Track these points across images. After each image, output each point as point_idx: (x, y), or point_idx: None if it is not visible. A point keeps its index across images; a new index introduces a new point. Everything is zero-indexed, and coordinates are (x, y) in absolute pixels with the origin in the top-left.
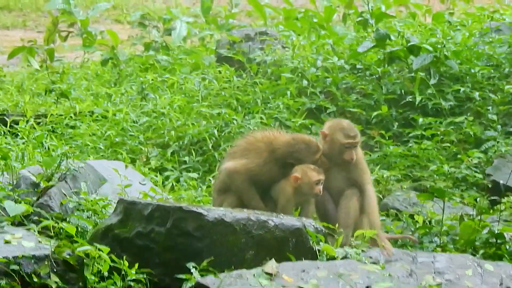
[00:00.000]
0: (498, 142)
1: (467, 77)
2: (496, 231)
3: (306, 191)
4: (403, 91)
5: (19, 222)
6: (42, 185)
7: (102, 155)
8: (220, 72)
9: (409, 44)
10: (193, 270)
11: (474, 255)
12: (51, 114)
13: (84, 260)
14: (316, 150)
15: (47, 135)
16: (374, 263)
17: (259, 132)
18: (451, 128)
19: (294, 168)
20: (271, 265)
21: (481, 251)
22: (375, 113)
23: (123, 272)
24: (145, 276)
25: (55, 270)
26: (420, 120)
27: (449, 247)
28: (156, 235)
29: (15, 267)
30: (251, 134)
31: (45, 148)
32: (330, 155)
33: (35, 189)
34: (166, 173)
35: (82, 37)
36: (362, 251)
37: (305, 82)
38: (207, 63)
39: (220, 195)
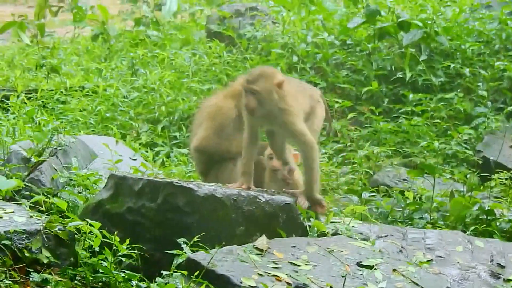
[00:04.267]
0: (488, 118)
1: (458, 53)
2: (487, 208)
3: None
4: (393, 67)
5: (10, 197)
6: (33, 160)
7: (92, 130)
8: (210, 47)
9: (399, 20)
10: (184, 245)
11: (465, 232)
12: (42, 89)
13: (76, 235)
14: None
15: (38, 110)
16: (364, 239)
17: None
18: (441, 104)
19: None
20: (261, 241)
21: (472, 228)
22: (365, 89)
23: (114, 247)
24: (136, 252)
25: (46, 245)
26: (410, 96)
27: (439, 223)
28: (147, 211)
29: (7, 241)
30: (199, 108)
31: (36, 123)
32: None
33: (26, 164)
34: (157, 149)
35: (72, 12)
36: (353, 227)
37: (295, 58)
38: (197, 39)
39: (205, 176)
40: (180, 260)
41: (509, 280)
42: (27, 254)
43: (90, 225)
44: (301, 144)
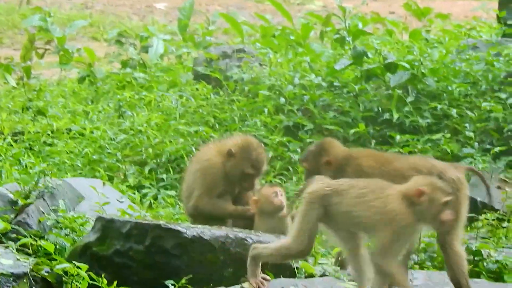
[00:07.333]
0: (475, 159)
1: (444, 94)
2: (474, 249)
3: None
4: (380, 108)
5: None
6: (20, 202)
7: (79, 173)
8: (197, 89)
9: (386, 62)
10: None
11: None
12: (28, 132)
13: (63, 278)
14: None
15: (25, 152)
16: (352, 280)
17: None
18: (429, 145)
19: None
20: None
21: None
22: (352, 131)
23: None
24: None
25: (33, 287)
26: (398, 137)
27: (427, 264)
28: (135, 253)
29: None
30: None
31: (23, 165)
32: None
33: (13, 207)
34: (144, 191)
35: (59, 55)
36: (340, 268)
37: (282, 100)
38: (184, 81)
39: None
40: None
41: None
42: None
43: (78, 267)
44: None
